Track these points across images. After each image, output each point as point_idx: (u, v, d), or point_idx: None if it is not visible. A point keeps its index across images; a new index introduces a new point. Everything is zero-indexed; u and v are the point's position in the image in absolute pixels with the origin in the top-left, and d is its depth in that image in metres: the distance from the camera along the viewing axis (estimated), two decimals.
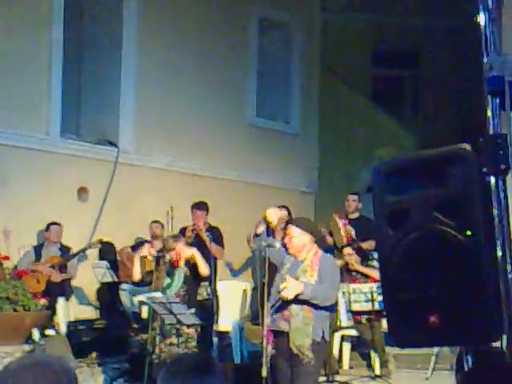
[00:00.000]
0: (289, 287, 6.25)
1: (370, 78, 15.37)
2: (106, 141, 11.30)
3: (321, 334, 6.37)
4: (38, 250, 9.96)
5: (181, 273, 7.74)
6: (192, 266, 7.77)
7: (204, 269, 7.80)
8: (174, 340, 7.45)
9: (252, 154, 12.63)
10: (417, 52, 15.26)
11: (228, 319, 9.18)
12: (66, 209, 10.41)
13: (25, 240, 10.05)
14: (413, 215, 3.05)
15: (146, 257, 8.35)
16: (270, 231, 6.79)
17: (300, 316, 6.34)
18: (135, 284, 9.12)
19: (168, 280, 7.75)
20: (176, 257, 7.73)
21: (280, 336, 6.44)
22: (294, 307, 6.35)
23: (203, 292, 8.59)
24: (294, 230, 6.52)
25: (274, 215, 6.53)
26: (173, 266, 7.77)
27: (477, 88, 3.29)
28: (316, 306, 6.35)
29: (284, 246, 6.56)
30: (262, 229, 6.57)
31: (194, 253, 7.78)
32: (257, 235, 6.62)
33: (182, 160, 11.71)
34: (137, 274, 8.14)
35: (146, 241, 9.85)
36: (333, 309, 6.91)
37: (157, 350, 7.46)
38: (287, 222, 7.33)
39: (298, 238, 6.48)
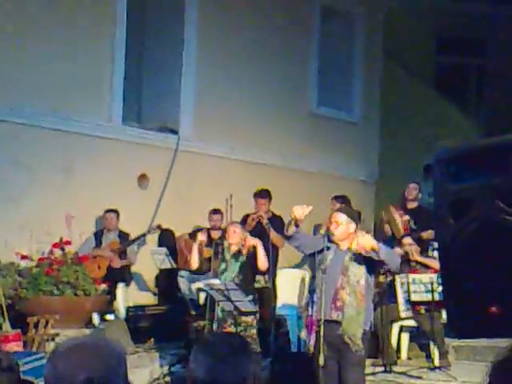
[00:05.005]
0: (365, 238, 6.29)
1: (434, 66, 15.12)
2: (167, 128, 11.35)
3: (369, 324, 6.47)
4: (97, 236, 10.09)
5: (239, 260, 7.74)
6: (252, 255, 7.76)
7: (262, 263, 7.79)
8: (231, 329, 7.44)
9: (312, 142, 12.54)
10: (482, 40, 14.94)
11: (285, 307, 9.15)
12: (126, 196, 10.50)
13: (86, 226, 10.19)
14: (475, 204, 2.97)
15: (202, 244, 8.40)
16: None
17: (354, 305, 6.33)
18: (193, 271, 9.17)
19: (223, 265, 7.78)
20: (240, 244, 7.76)
21: (330, 325, 6.39)
22: (346, 296, 6.36)
23: (261, 280, 8.59)
24: (341, 218, 6.47)
25: (302, 212, 6.32)
26: (234, 253, 7.79)
27: None
28: (367, 295, 6.36)
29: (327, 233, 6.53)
30: (292, 230, 6.42)
31: (258, 245, 7.78)
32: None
33: (241, 148, 11.69)
34: (195, 263, 8.21)
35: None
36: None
37: None
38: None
39: (345, 226, 6.44)
